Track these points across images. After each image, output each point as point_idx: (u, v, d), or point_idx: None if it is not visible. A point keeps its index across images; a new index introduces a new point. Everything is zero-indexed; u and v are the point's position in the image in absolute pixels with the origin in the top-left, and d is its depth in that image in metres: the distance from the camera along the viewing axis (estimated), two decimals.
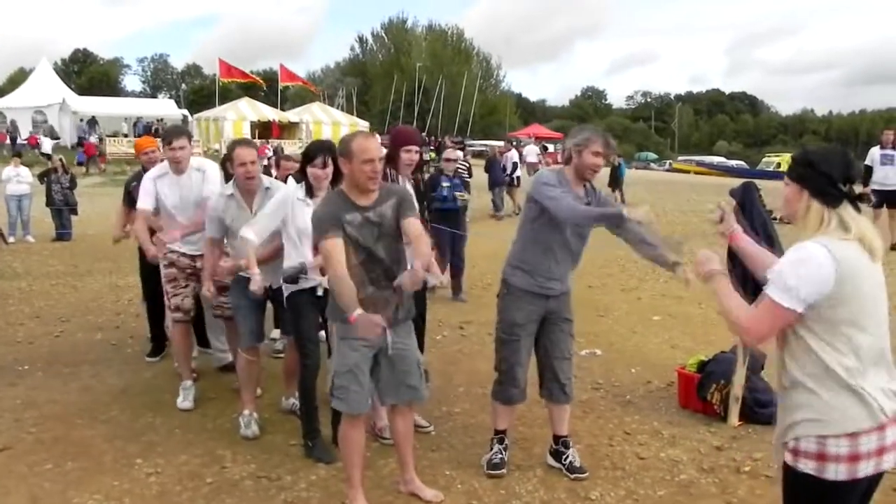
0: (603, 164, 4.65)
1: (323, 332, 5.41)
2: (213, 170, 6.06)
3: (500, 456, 4.88)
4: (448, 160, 10.80)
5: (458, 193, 10.41)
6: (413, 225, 4.13)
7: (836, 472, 2.62)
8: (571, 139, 4.75)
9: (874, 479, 2.74)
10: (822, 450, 2.64)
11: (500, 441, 4.93)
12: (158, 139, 7.02)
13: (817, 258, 2.60)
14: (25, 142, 38.33)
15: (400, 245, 4.21)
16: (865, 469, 2.63)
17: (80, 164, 32.32)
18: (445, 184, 10.35)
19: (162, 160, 6.43)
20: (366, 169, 3.99)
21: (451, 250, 10.17)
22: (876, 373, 2.67)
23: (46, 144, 38.39)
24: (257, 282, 4.96)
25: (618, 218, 4.36)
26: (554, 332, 4.78)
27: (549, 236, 4.61)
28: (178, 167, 5.93)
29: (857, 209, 2.71)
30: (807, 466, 2.67)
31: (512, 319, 4.70)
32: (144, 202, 6.01)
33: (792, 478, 2.75)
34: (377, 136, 4.49)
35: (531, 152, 28.71)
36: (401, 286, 3.88)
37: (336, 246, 3.94)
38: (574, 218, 4.44)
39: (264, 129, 43.98)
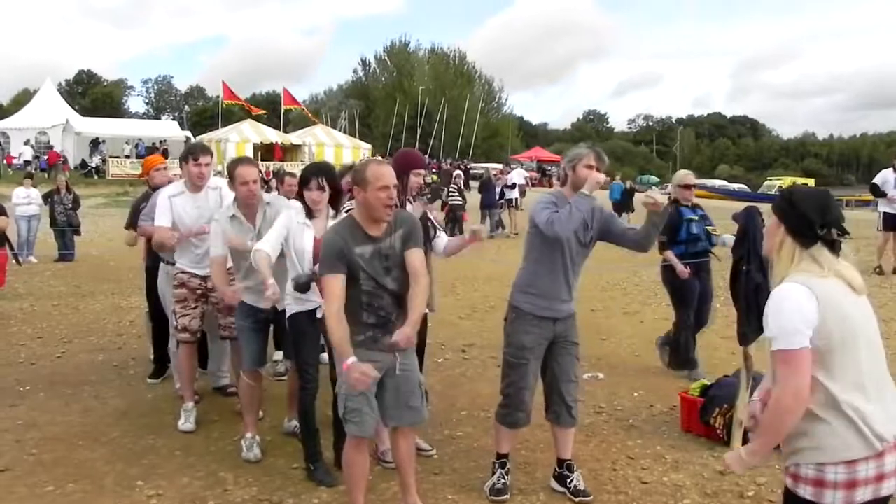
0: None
1: (325, 355, 5.40)
2: (227, 188, 5.99)
3: (502, 481, 4.85)
4: (685, 186, 7.38)
5: (709, 227, 7.57)
6: (415, 257, 4.13)
7: (833, 498, 2.66)
8: (565, 159, 4.83)
9: None
10: (820, 476, 2.67)
11: (503, 465, 4.91)
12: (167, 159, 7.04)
13: (796, 295, 2.66)
14: (3, 162, 38.91)
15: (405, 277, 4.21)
16: (863, 495, 2.66)
17: (42, 170, 31.99)
18: (691, 216, 7.38)
19: (171, 179, 6.44)
20: (381, 196, 3.97)
21: (696, 310, 7.69)
22: (875, 400, 2.69)
23: (27, 154, 39.23)
24: (273, 289, 4.91)
25: (592, 206, 4.51)
26: (561, 356, 4.78)
27: (554, 258, 4.64)
28: (200, 183, 5.90)
29: (835, 253, 2.76)
30: (806, 492, 2.71)
31: (521, 343, 4.70)
32: (162, 219, 5.94)
33: (792, 502, 2.79)
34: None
35: (518, 175, 29.10)
36: (396, 344, 3.92)
37: (336, 284, 3.95)
38: (558, 229, 4.47)
39: (267, 152, 44.08)
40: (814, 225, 2.73)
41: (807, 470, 2.70)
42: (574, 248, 4.69)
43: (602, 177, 4.52)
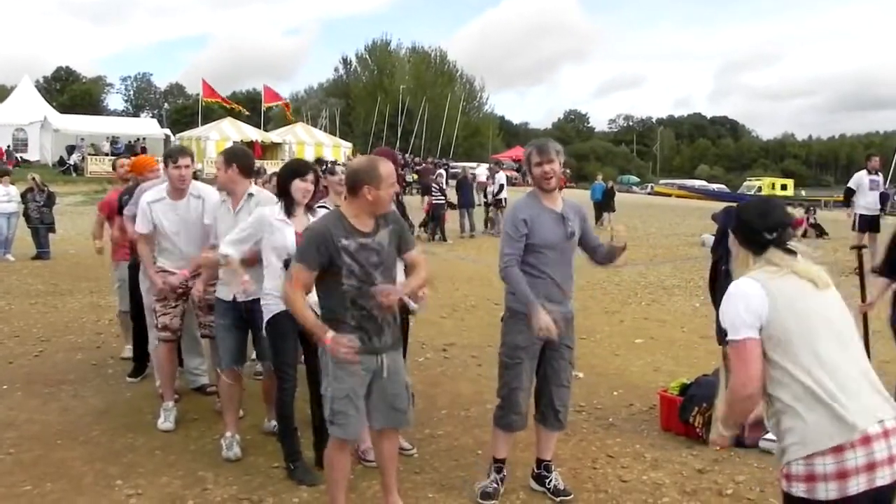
0: (556, 169, 4.59)
1: (302, 356, 5.38)
2: (213, 199, 5.82)
3: (494, 486, 4.79)
4: None
5: None
6: (416, 258, 4.34)
7: (826, 492, 2.67)
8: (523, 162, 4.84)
9: (879, 498, 2.73)
10: (810, 471, 2.70)
11: (498, 471, 4.85)
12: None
13: (744, 288, 2.84)
14: None
15: (394, 274, 4.24)
16: (856, 486, 2.66)
17: None
18: None
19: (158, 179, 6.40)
20: (391, 192, 4.11)
21: None
22: (848, 390, 2.73)
23: None
24: (249, 282, 4.96)
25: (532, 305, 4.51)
26: (555, 360, 4.74)
27: (536, 260, 4.61)
28: (181, 185, 5.86)
29: (790, 252, 2.89)
30: (798, 489, 2.73)
31: (514, 342, 4.66)
32: (142, 226, 5.93)
33: (788, 503, 2.82)
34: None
35: (481, 173, 29.26)
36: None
37: (304, 274, 3.99)
38: (504, 278, 4.65)
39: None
40: (757, 230, 2.89)
41: (797, 467, 2.73)
42: (556, 248, 4.64)
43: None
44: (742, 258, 2.97)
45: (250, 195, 5.42)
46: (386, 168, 4.05)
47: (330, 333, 3.91)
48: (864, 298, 5.99)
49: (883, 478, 2.69)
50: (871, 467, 2.67)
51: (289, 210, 4.98)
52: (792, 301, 2.77)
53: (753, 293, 2.79)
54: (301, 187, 4.99)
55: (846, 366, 2.76)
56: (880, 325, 6.11)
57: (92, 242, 8.85)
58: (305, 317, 4.01)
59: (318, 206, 5.24)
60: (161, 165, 6.53)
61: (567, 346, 4.79)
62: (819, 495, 2.68)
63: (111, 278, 8.23)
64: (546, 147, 4.63)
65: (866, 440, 2.67)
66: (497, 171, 24.29)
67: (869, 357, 5.58)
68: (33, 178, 16.54)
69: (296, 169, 5.09)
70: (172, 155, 5.94)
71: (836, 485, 2.66)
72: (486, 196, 22.52)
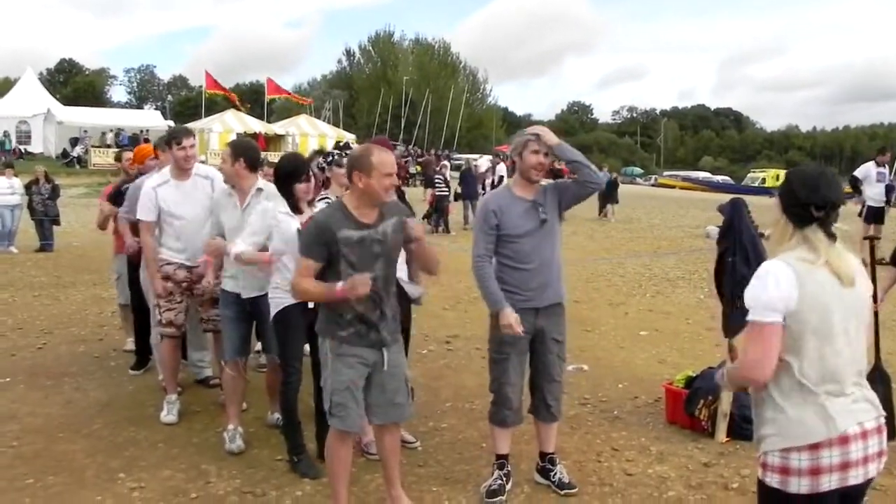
0: (547, 161, 4.56)
1: (307, 346, 5.36)
2: (220, 179, 5.73)
3: (499, 482, 4.74)
4: None
5: None
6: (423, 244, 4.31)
7: (798, 486, 2.71)
8: (511, 147, 4.79)
9: (849, 495, 2.77)
10: (785, 463, 2.72)
11: (501, 467, 4.81)
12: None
13: (777, 272, 2.70)
14: None
15: (395, 267, 4.21)
16: (828, 483, 2.69)
17: None
18: None
19: (159, 169, 6.23)
20: (385, 183, 4.00)
21: None
22: (845, 392, 2.73)
23: None
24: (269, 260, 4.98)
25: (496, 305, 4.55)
26: (544, 354, 4.70)
27: (512, 251, 4.57)
28: (188, 166, 5.77)
29: (831, 236, 2.75)
30: (773, 480, 2.76)
31: (500, 337, 4.61)
32: (146, 213, 5.80)
33: (761, 490, 2.86)
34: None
35: (482, 165, 29.25)
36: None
37: (310, 265, 3.99)
38: (475, 274, 4.63)
39: None
40: (802, 201, 2.73)
41: (773, 458, 2.75)
42: (531, 237, 4.57)
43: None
44: (780, 229, 2.80)
45: (259, 190, 5.35)
46: (379, 157, 3.99)
47: (340, 283, 3.91)
48: (875, 296, 5.88)
49: (856, 477, 2.72)
50: (844, 467, 2.69)
51: (293, 208, 4.95)
52: (818, 298, 2.68)
53: (785, 278, 2.67)
54: (301, 188, 4.99)
55: (844, 369, 2.74)
56: (882, 317, 6.06)
57: (95, 228, 8.70)
58: (318, 291, 4.01)
59: (320, 200, 5.20)
60: (164, 149, 6.34)
61: (555, 339, 4.73)
62: (791, 488, 2.71)
63: (110, 270, 8.20)
64: (547, 138, 4.56)
65: (844, 440, 2.68)
66: (498, 163, 24.29)
67: (878, 353, 5.56)
68: (45, 172, 16.49)
69: (292, 172, 5.02)
70: (177, 136, 5.81)
71: (809, 480, 2.69)
72: (483, 188, 22.51)
